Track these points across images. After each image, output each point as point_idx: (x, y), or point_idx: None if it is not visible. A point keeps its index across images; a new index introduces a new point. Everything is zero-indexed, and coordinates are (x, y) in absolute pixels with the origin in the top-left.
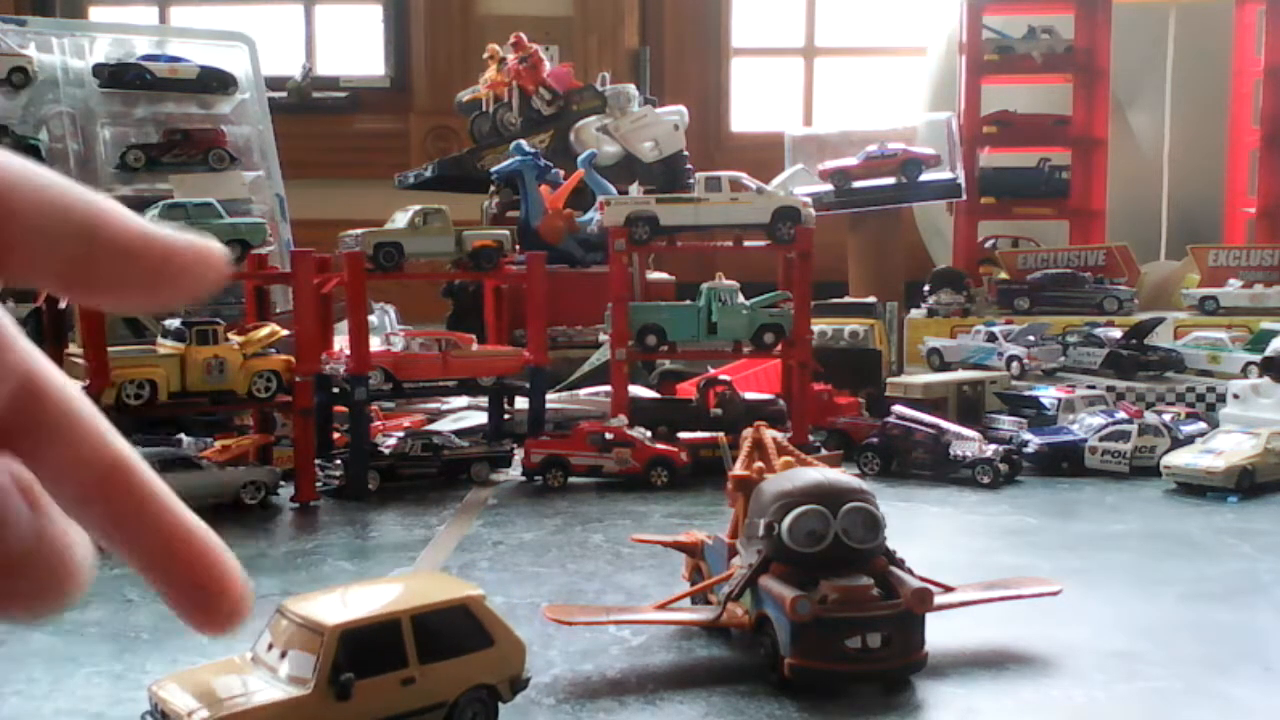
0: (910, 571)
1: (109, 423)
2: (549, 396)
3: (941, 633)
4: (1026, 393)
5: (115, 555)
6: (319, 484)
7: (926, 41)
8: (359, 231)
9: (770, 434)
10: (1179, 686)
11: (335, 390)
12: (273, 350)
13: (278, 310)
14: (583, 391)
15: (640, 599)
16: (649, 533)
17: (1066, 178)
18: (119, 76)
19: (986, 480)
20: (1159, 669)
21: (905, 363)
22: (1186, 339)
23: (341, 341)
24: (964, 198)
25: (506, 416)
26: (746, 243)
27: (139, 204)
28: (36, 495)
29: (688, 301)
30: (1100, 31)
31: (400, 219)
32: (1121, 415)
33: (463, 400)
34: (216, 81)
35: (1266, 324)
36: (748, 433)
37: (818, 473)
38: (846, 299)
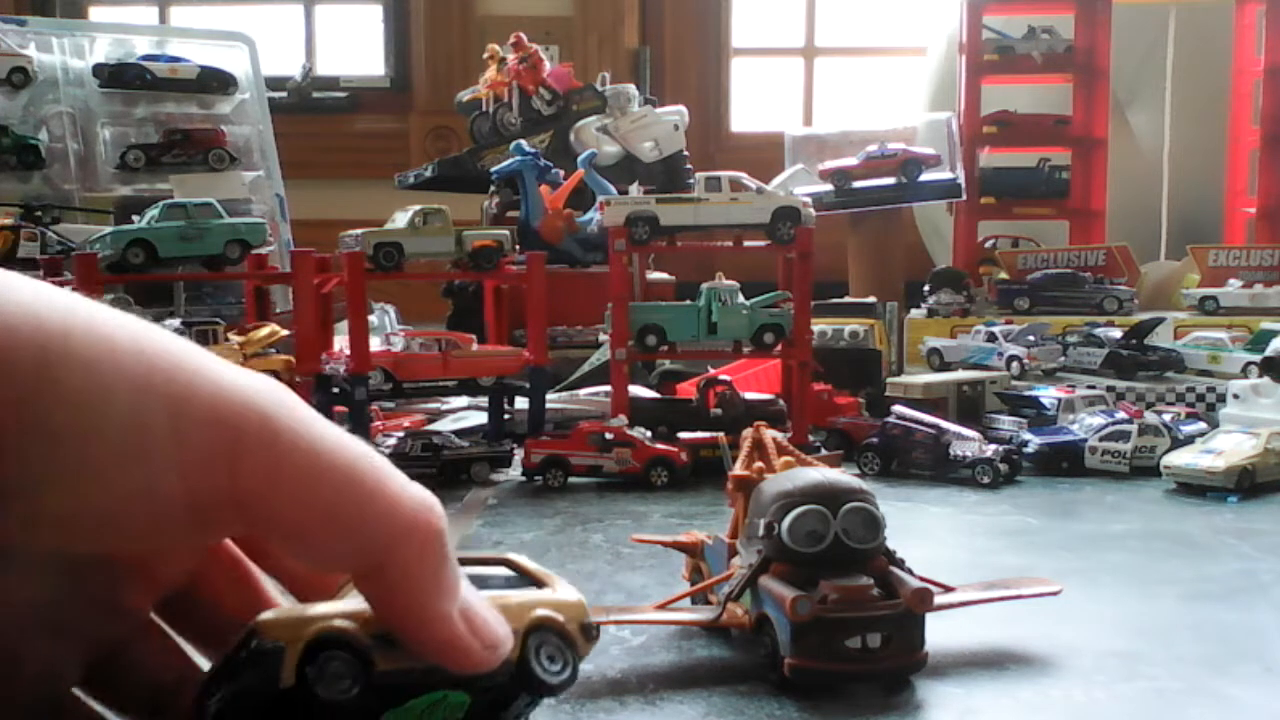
0: (910, 571)
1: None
2: (549, 396)
3: (941, 633)
4: (1026, 393)
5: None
6: None
7: (926, 41)
8: (359, 231)
9: (770, 434)
10: (1179, 686)
11: (335, 390)
12: (273, 350)
13: (278, 310)
14: (583, 391)
15: (640, 599)
16: (649, 533)
17: (1066, 178)
18: (119, 76)
19: (986, 480)
20: (1159, 669)
21: (905, 363)
22: (1186, 339)
23: (341, 341)
24: (964, 198)
25: (506, 416)
26: (746, 243)
27: (139, 204)
28: None
29: (688, 301)
30: (1100, 31)
31: (400, 219)
32: (1121, 415)
33: (463, 400)
34: (216, 81)
35: (1266, 324)
36: (748, 433)
37: (818, 473)
38: (846, 299)
